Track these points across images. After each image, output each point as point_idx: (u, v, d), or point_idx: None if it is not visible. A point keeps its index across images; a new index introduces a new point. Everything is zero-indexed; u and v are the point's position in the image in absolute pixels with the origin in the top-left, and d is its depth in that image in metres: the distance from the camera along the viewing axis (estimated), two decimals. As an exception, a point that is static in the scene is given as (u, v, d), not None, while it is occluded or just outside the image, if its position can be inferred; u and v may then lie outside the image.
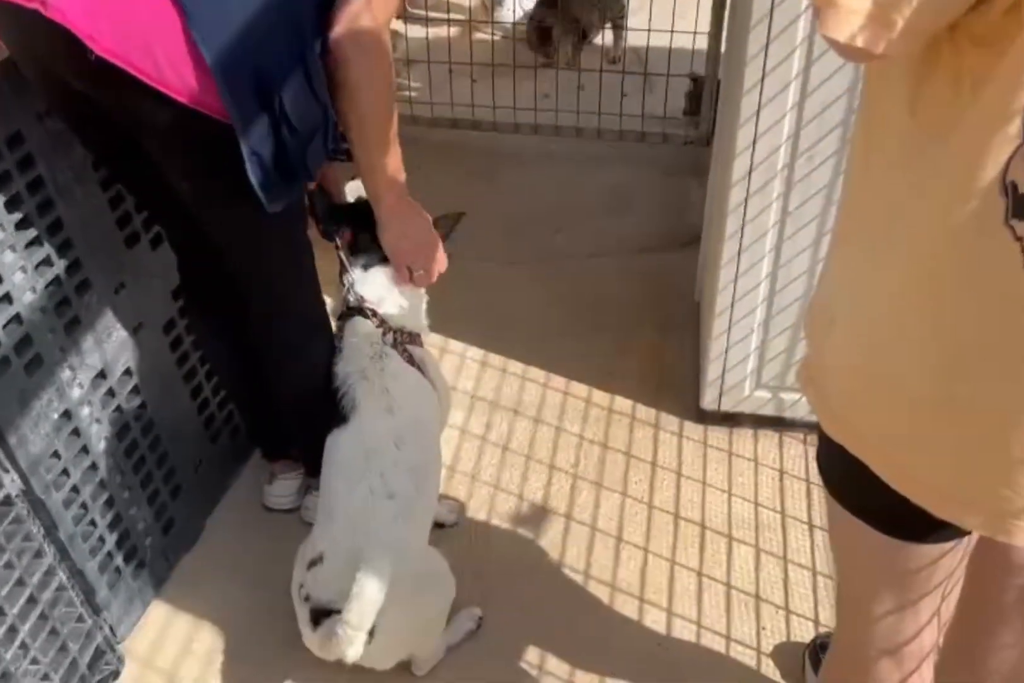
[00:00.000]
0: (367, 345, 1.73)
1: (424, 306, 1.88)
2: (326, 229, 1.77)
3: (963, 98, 0.74)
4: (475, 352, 2.55)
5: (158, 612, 1.94)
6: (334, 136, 1.55)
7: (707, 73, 3.10)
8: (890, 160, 0.84)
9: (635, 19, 3.50)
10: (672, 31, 3.01)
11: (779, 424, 2.25)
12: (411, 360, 1.78)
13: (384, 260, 1.76)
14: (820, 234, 1.90)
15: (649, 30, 3.06)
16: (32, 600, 1.56)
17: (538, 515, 2.11)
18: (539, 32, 3.56)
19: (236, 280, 1.74)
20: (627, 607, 1.91)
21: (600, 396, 2.40)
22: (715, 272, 2.07)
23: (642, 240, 2.95)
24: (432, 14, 3.47)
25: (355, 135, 1.57)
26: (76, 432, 1.67)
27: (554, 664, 1.82)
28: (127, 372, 1.80)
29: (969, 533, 1.03)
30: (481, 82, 3.22)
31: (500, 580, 1.96)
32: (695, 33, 3.04)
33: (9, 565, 1.50)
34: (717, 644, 1.84)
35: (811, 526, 2.04)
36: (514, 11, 3.84)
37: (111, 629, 1.81)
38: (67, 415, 1.65)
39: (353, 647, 1.53)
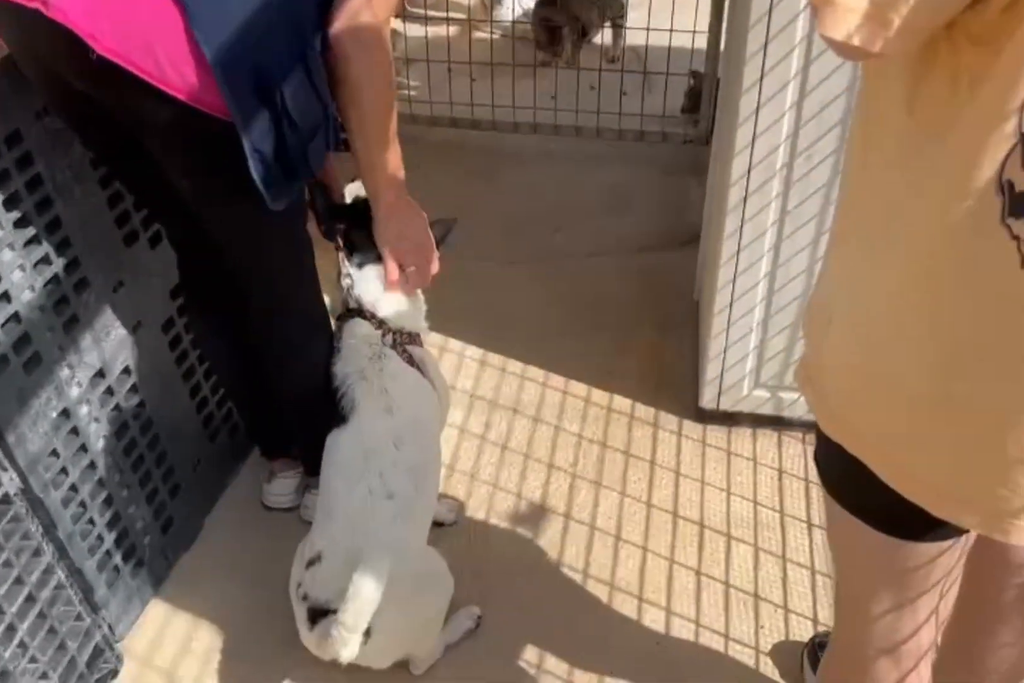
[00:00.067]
0: (366, 346, 1.73)
1: (423, 306, 1.87)
2: (328, 230, 1.77)
3: (960, 97, 0.74)
4: (474, 351, 2.55)
5: (157, 611, 1.94)
6: (335, 133, 1.56)
7: (706, 72, 3.10)
8: (888, 159, 0.84)
9: (634, 14, 3.50)
10: (671, 30, 3.01)
11: (778, 423, 2.25)
12: (411, 361, 1.77)
13: (379, 259, 1.74)
14: (819, 233, 1.90)
15: (648, 29, 3.06)
16: (31, 598, 1.56)
17: (537, 514, 2.11)
18: (548, 31, 3.55)
19: (236, 278, 1.74)
20: (626, 606, 1.91)
21: (599, 395, 2.40)
22: (714, 271, 2.07)
23: (641, 239, 2.95)
24: (431, 13, 3.47)
25: (355, 131, 1.57)
26: (75, 431, 1.67)
27: (553, 663, 1.82)
28: (126, 371, 1.80)
29: (967, 532, 1.04)
30: (480, 81, 3.22)
31: (499, 579, 1.96)
32: (694, 32, 3.04)
33: (8, 563, 1.50)
34: (716, 643, 1.84)
35: (810, 525, 2.05)
36: (513, 10, 3.84)
37: (110, 628, 1.81)
38: (65, 413, 1.65)
39: (347, 648, 1.53)
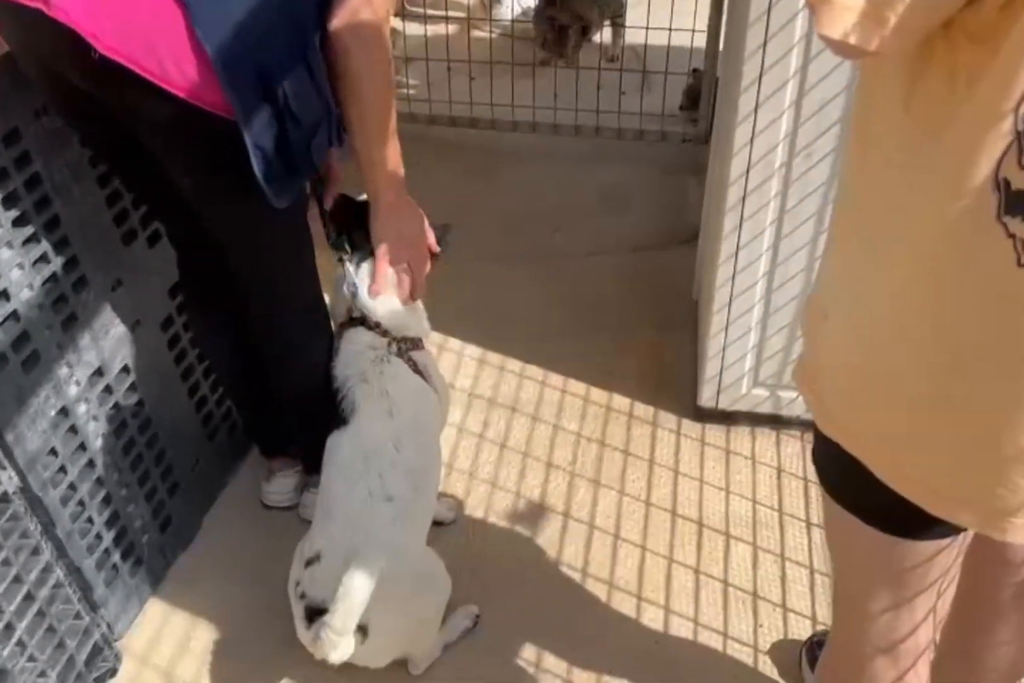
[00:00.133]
0: (369, 350, 1.73)
1: (424, 312, 1.86)
2: (336, 244, 1.74)
3: (957, 95, 0.73)
4: (473, 350, 2.55)
5: (155, 609, 1.94)
6: (338, 130, 1.56)
7: (705, 70, 3.10)
8: (887, 157, 0.84)
9: (633, 13, 3.50)
10: (671, 29, 3.01)
11: (776, 422, 2.25)
12: (416, 369, 1.77)
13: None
14: (817, 232, 1.90)
15: (647, 28, 3.06)
16: (29, 597, 1.56)
17: (535, 513, 2.11)
18: (555, 30, 3.53)
19: (237, 276, 1.74)
20: (624, 605, 1.91)
21: (598, 394, 2.40)
22: (712, 270, 2.07)
23: (640, 238, 2.95)
24: (430, 12, 3.48)
25: (355, 127, 1.57)
26: (73, 429, 1.67)
27: (551, 662, 1.82)
28: (124, 369, 1.80)
29: (964, 530, 1.04)
30: (479, 80, 3.22)
31: (497, 578, 1.96)
32: (693, 31, 3.04)
33: (6, 562, 1.50)
34: (714, 642, 1.84)
35: (808, 524, 2.04)
36: (512, 9, 3.84)
37: (108, 626, 1.81)
38: (64, 412, 1.65)
39: (336, 651, 1.53)
